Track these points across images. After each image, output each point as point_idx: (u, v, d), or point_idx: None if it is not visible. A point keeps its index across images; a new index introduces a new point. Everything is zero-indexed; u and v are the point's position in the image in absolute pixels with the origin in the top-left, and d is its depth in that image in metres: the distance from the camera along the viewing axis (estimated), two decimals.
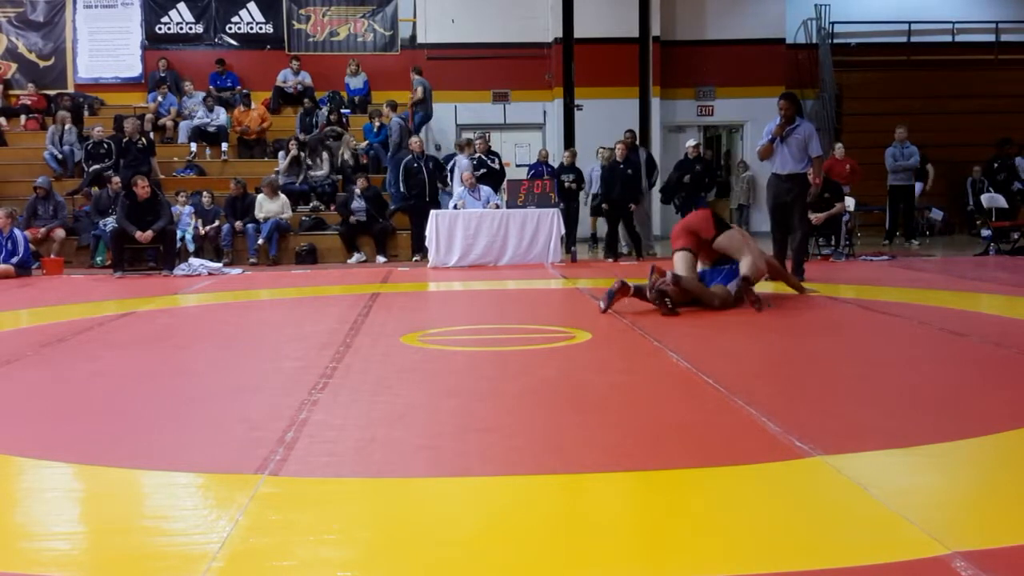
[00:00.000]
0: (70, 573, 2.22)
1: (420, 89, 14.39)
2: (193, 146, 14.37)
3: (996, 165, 14.50)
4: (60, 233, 11.93)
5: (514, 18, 16.07)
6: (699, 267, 6.77)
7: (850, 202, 11.63)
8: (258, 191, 12.47)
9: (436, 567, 2.22)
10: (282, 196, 12.46)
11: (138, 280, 10.31)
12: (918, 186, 14.06)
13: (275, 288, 9.60)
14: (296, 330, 6.26)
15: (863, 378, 4.36)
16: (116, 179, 12.01)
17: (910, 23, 17.05)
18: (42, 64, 16.06)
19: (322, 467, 2.98)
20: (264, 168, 13.88)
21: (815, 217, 10.71)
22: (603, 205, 12.26)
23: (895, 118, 14.30)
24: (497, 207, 11.70)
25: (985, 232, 12.33)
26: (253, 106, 14.86)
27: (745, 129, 16.62)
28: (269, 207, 12.19)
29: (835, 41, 17.10)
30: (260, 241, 12.06)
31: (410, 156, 12.59)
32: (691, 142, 13.24)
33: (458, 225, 11.39)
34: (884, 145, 13.80)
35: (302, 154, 13.50)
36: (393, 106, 14.24)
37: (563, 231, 11.70)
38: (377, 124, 14.07)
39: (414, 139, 12.91)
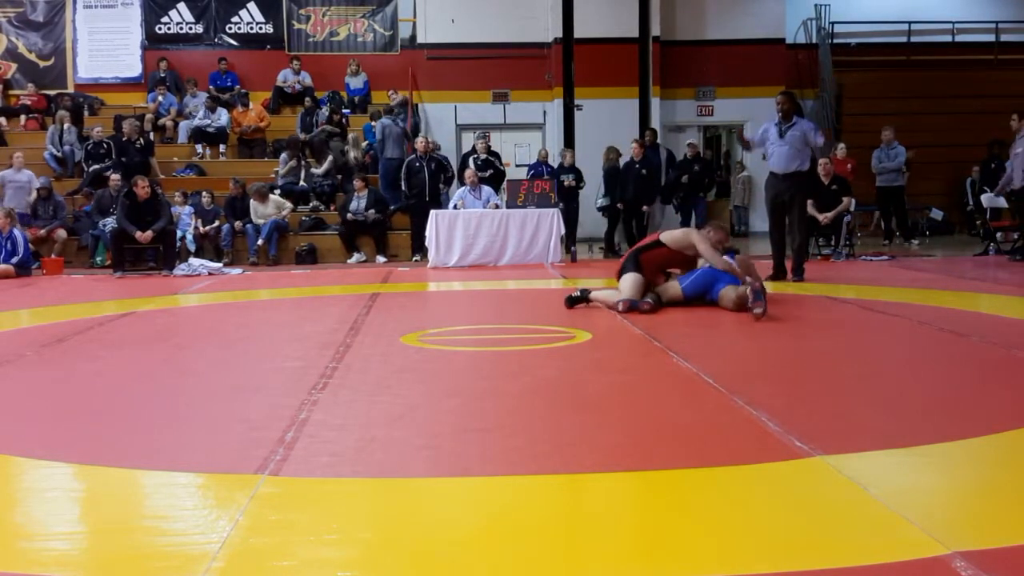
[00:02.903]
0: (70, 573, 2.22)
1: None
2: (199, 147, 14.37)
3: (993, 166, 14.47)
4: (61, 233, 11.93)
5: (514, 18, 16.05)
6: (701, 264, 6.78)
7: (851, 202, 11.61)
8: None
9: (436, 567, 2.22)
10: (273, 199, 12.45)
11: (138, 280, 10.31)
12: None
13: (275, 288, 9.60)
14: (296, 330, 6.26)
15: (863, 378, 4.36)
16: (115, 176, 12.01)
17: (910, 23, 17.04)
18: (42, 64, 16.06)
19: (322, 467, 2.98)
20: (264, 168, 13.88)
21: (823, 217, 10.71)
22: (618, 205, 12.22)
23: (895, 118, 14.28)
24: (497, 207, 11.70)
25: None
26: (251, 106, 14.87)
27: (745, 129, 16.56)
28: (263, 211, 12.20)
29: (835, 41, 17.09)
30: (260, 241, 12.05)
31: (413, 156, 12.63)
32: (689, 142, 13.26)
33: (458, 225, 11.39)
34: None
35: (301, 155, 13.50)
36: (389, 109, 14.18)
37: (563, 231, 11.70)
38: (375, 124, 14.07)
39: (419, 139, 12.94)
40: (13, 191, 11.97)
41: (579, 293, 6.83)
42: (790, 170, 8.31)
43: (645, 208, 12.04)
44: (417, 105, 15.66)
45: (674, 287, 6.70)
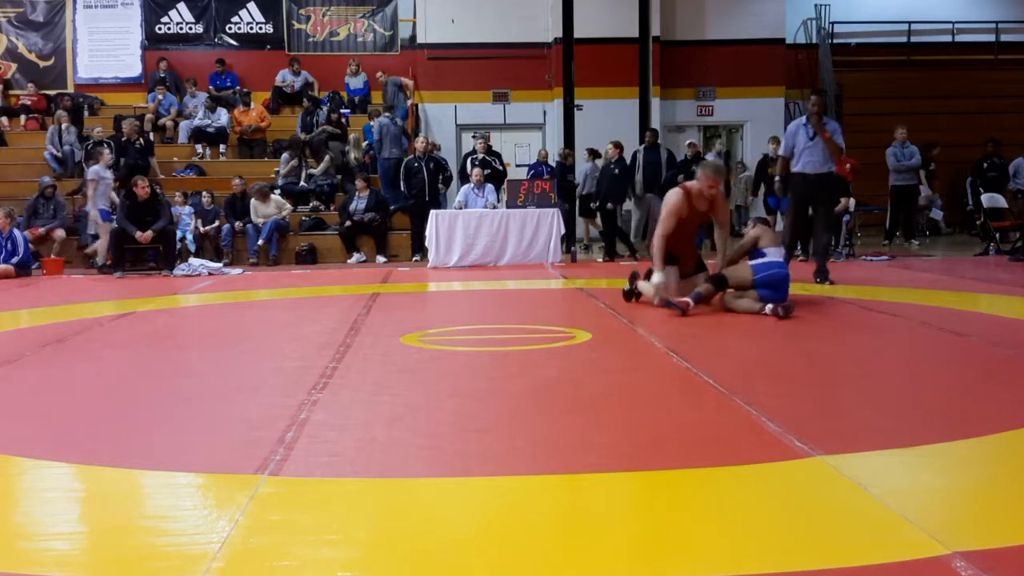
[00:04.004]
0: (70, 573, 2.22)
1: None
2: (199, 147, 14.37)
3: (986, 165, 14.48)
4: (60, 233, 11.92)
5: (514, 18, 16.05)
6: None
7: (851, 202, 11.62)
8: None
9: (436, 567, 2.22)
10: (274, 198, 12.44)
11: (138, 280, 10.31)
12: (922, 189, 14.05)
13: (275, 288, 9.60)
14: (296, 330, 6.26)
15: (863, 378, 4.36)
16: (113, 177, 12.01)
17: (910, 23, 17.04)
18: (42, 64, 16.06)
19: (322, 467, 2.98)
20: (264, 168, 13.87)
21: None
22: (592, 204, 12.38)
23: (895, 118, 14.28)
24: (495, 207, 11.69)
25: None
26: (252, 106, 14.88)
27: (745, 129, 16.61)
28: (264, 211, 12.20)
29: (835, 41, 17.09)
30: (260, 241, 12.05)
31: (412, 156, 12.63)
32: (689, 141, 13.26)
33: (458, 225, 11.39)
34: (884, 145, 13.78)
35: (302, 155, 13.50)
36: (388, 107, 14.17)
37: (563, 231, 11.70)
38: (374, 123, 14.07)
39: (419, 139, 12.94)
40: (104, 188, 11.57)
41: (629, 287, 6.93)
42: (822, 171, 8.20)
43: (610, 205, 12.05)
44: (417, 105, 15.66)
45: (745, 268, 6.40)
